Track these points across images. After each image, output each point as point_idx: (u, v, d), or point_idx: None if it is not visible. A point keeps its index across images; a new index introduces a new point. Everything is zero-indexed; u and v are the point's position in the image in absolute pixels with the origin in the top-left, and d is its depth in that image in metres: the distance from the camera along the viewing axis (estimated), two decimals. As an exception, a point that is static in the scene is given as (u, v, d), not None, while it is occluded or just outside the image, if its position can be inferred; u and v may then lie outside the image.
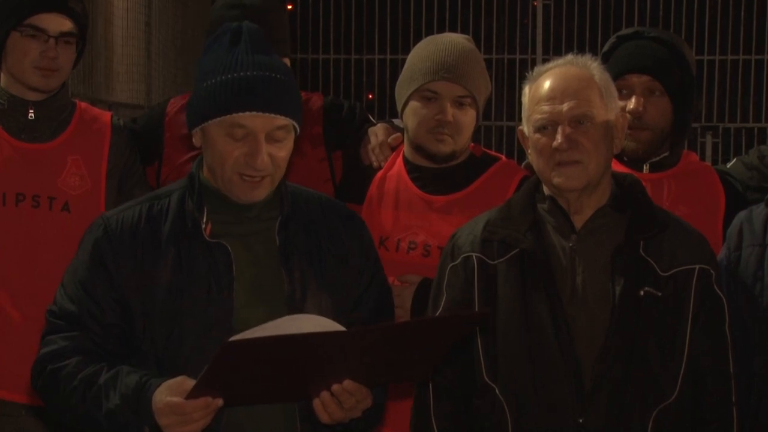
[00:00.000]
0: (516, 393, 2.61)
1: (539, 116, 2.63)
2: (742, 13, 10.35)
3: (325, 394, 2.37)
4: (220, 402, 2.31)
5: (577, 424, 2.56)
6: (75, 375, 2.45)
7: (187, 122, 2.58)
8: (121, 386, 2.40)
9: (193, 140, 2.56)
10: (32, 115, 3.35)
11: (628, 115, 3.09)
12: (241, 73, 2.46)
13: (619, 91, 3.09)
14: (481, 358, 2.65)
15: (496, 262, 2.66)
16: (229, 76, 2.46)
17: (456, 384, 2.70)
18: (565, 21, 10.62)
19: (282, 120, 2.47)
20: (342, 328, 2.32)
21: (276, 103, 2.46)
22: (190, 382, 2.32)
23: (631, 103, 3.19)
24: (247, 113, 2.44)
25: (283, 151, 2.51)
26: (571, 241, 2.64)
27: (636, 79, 3.22)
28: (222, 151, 2.47)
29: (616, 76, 3.11)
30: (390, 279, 3.10)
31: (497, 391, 2.63)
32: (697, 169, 3.34)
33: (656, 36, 3.29)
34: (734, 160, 3.52)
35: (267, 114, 2.45)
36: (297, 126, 2.53)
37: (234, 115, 2.44)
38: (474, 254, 2.68)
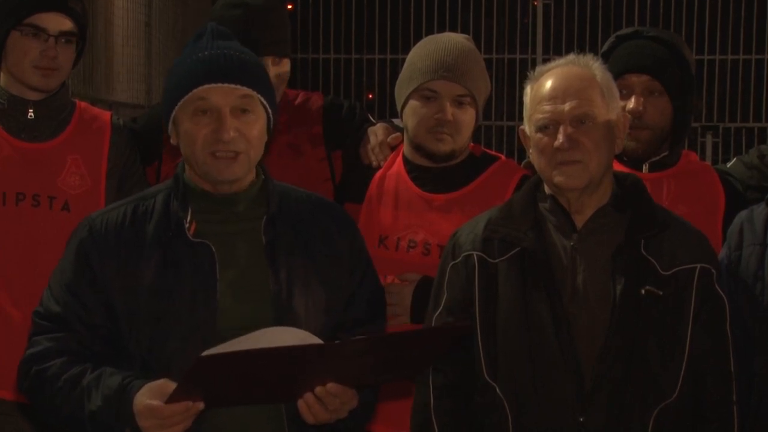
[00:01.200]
0: (516, 392, 2.61)
1: (541, 116, 2.63)
2: (742, 12, 10.35)
3: (308, 396, 2.36)
4: (200, 405, 2.30)
5: (578, 423, 2.56)
6: (59, 376, 2.45)
7: (163, 124, 2.59)
8: (103, 387, 2.39)
9: (171, 141, 2.56)
10: (32, 114, 3.35)
11: (628, 114, 3.10)
12: (199, 54, 2.49)
13: (619, 90, 3.09)
14: (482, 357, 2.65)
15: (497, 260, 2.66)
16: (188, 60, 2.50)
17: (456, 382, 2.70)
18: (565, 21, 10.62)
19: (243, 90, 2.47)
20: (319, 341, 2.31)
21: (235, 74, 2.47)
22: (171, 385, 2.31)
23: (631, 103, 3.19)
24: (206, 86, 2.45)
25: (254, 129, 2.49)
26: (572, 241, 2.64)
27: (635, 79, 3.22)
28: (191, 132, 2.48)
29: (616, 75, 3.10)
30: (390, 278, 3.11)
31: (498, 389, 2.63)
32: (696, 169, 3.34)
33: (655, 35, 3.30)
34: (734, 159, 3.52)
35: (227, 85, 2.46)
36: (265, 101, 2.52)
37: (194, 91, 2.46)
38: (475, 253, 2.68)
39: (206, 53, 2.49)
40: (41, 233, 3.29)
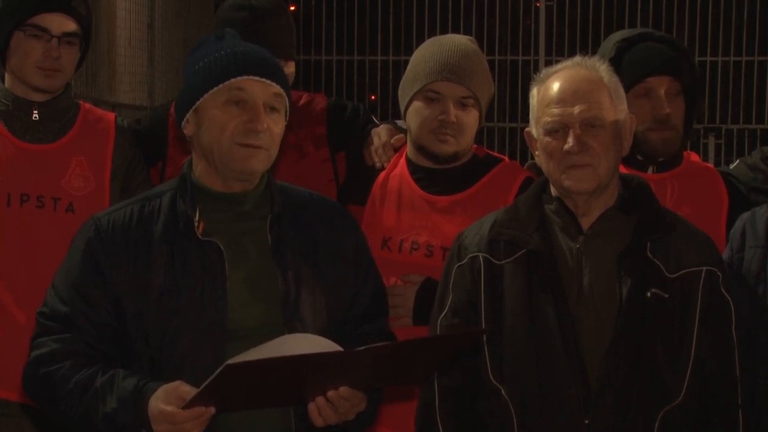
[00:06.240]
0: (522, 394, 2.61)
1: (550, 119, 2.63)
2: (745, 14, 10.36)
3: (320, 399, 2.37)
4: (212, 411, 2.31)
5: (583, 425, 2.56)
6: (70, 378, 2.44)
7: (176, 114, 2.58)
8: (117, 390, 2.39)
9: (185, 130, 2.55)
10: (36, 116, 3.36)
11: (653, 116, 3.12)
12: (234, 48, 2.52)
13: (643, 94, 3.10)
14: (488, 359, 2.65)
15: (502, 262, 2.66)
16: (222, 52, 2.51)
17: (462, 383, 2.70)
18: (567, 22, 10.62)
19: (277, 88, 2.51)
20: (339, 348, 2.32)
21: (270, 71, 2.51)
22: (185, 388, 2.32)
23: (661, 107, 3.18)
24: (246, 77, 2.48)
25: (278, 127, 2.53)
26: (578, 243, 2.64)
27: (657, 81, 3.20)
28: (220, 121, 2.48)
29: (638, 78, 3.12)
30: (393, 279, 3.11)
31: (503, 391, 2.62)
32: (699, 170, 3.34)
33: (662, 37, 3.32)
34: (737, 161, 3.53)
35: (264, 80, 2.49)
36: (287, 103, 2.56)
37: (231, 81, 2.47)
38: (481, 254, 2.68)
39: (241, 48, 2.52)
40: (45, 234, 3.29)
